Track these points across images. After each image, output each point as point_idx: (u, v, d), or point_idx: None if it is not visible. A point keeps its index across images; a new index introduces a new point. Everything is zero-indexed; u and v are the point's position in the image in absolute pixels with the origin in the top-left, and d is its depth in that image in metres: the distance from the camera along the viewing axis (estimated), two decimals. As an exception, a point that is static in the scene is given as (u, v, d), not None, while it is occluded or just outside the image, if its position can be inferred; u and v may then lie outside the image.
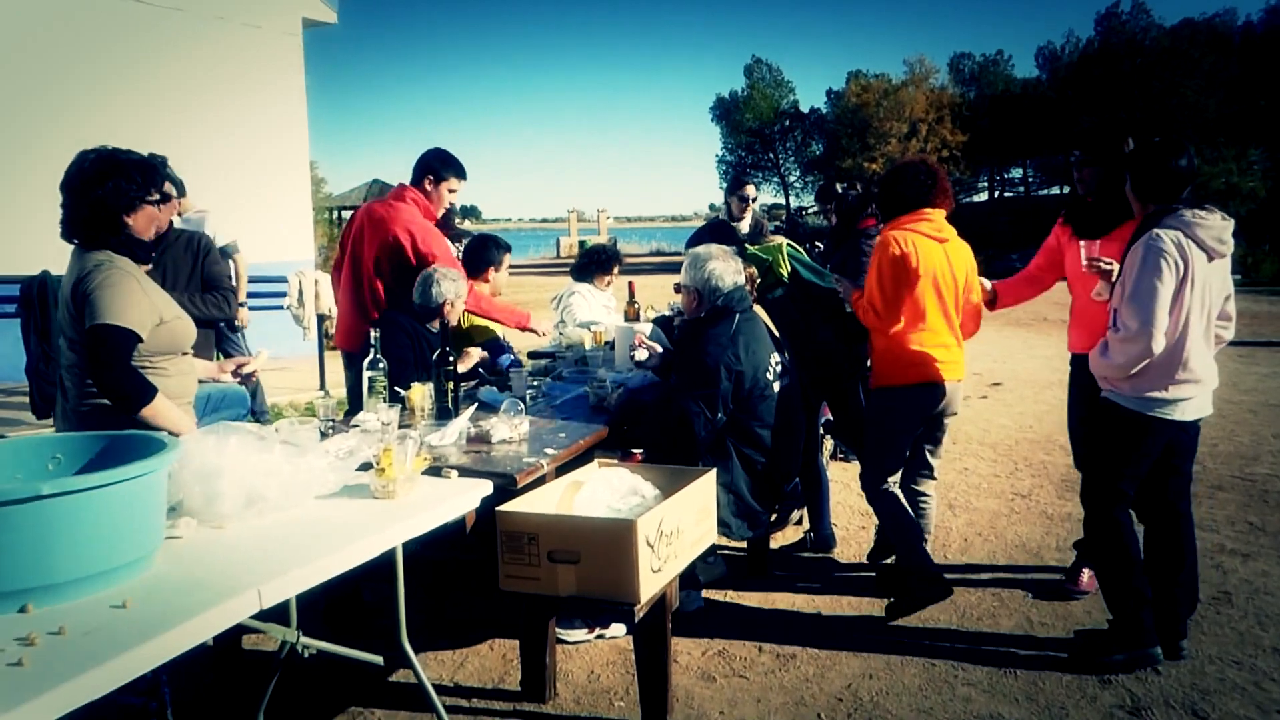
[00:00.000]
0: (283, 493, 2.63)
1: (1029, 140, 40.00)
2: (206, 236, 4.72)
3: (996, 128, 40.06)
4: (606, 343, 5.82)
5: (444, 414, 3.74)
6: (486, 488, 2.99)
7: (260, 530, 2.51)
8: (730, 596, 4.40)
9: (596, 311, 6.81)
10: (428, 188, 4.92)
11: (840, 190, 7.35)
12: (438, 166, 4.93)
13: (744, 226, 7.63)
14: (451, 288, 4.64)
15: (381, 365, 3.77)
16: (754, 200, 7.62)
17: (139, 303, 3.09)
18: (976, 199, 46.31)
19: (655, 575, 3.01)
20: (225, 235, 7.11)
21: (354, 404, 4.69)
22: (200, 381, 3.73)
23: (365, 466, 2.99)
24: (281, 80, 12.86)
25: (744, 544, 4.45)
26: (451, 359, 3.74)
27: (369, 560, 2.47)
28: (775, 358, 3.99)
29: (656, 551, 3.00)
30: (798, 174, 50.83)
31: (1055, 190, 44.69)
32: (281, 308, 10.28)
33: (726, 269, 3.89)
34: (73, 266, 3.16)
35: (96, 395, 3.12)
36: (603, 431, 3.81)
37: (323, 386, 10.17)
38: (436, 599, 4.17)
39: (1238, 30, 38.96)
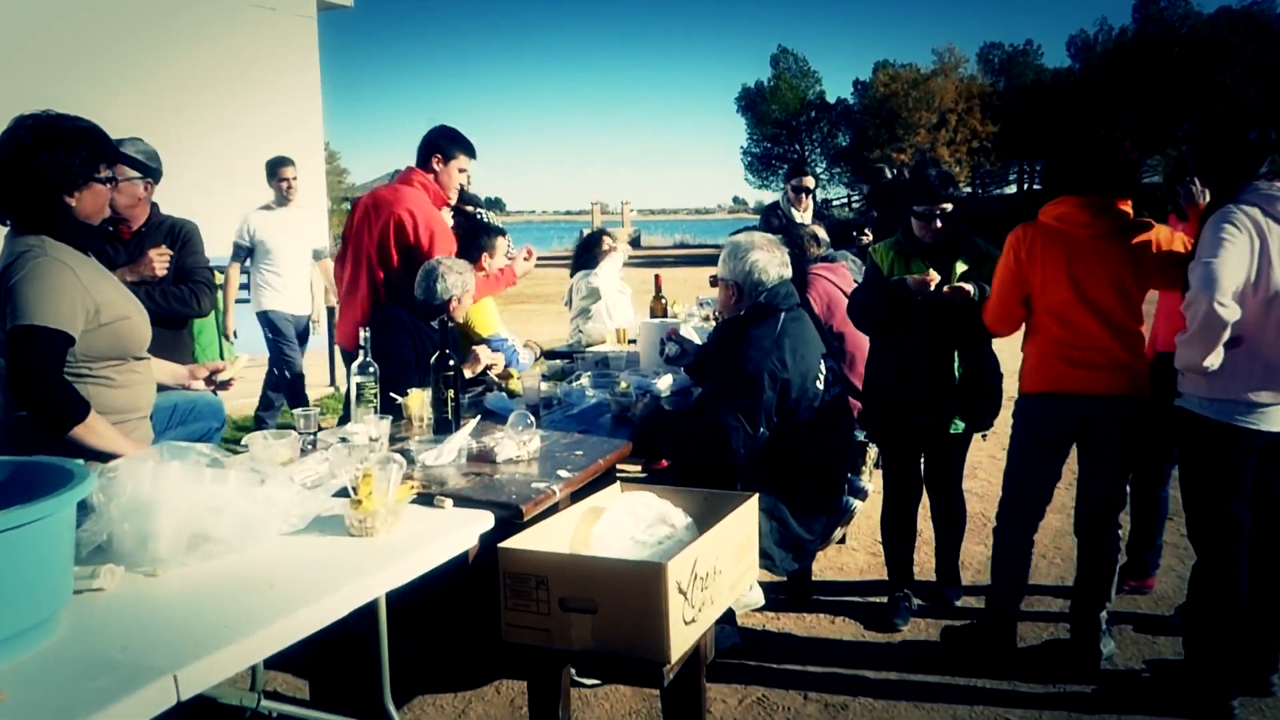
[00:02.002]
0: (236, 531, 2.15)
1: (1059, 131, 39.07)
2: (189, 224, 4.21)
3: (1027, 118, 39.14)
4: (630, 340, 5.33)
5: (443, 427, 3.24)
6: (486, 521, 2.50)
7: (203, 580, 2.03)
8: (768, 623, 3.90)
9: (611, 291, 6.25)
10: (436, 168, 4.50)
11: (889, 178, 6.84)
12: (444, 144, 4.51)
13: (806, 218, 7.11)
14: (458, 282, 4.16)
15: (372, 370, 3.28)
16: (813, 191, 7.09)
17: (71, 298, 2.61)
18: (1007, 190, 45.39)
19: (688, 628, 2.51)
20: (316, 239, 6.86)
21: (347, 411, 4.23)
22: (166, 389, 3.26)
23: (344, 492, 2.52)
24: (295, 64, 12.42)
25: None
26: (452, 363, 3.24)
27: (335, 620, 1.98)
28: (824, 364, 3.47)
29: (690, 599, 2.50)
30: (824, 165, 49.98)
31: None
32: (290, 300, 9.91)
33: (771, 260, 3.37)
34: (3, 253, 2.69)
35: (33, 406, 2.65)
36: (625, 448, 3.30)
37: (333, 382, 9.77)
38: (431, 637, 3.68)
39: (1277, 18, 37.87)
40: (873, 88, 43.46)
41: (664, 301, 5.27)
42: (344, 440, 3.13)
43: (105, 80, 10.24)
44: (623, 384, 4.01)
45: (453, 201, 4.67)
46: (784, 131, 51.03)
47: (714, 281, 3.87)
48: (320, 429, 3.22)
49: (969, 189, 39.56)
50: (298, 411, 3.16)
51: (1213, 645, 3.15)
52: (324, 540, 2.28)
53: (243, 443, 2.99)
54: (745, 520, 2.89)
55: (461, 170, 4.59)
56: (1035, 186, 45.48)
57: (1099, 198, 3.40)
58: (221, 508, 2.14)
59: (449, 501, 2.57)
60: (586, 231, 7.01)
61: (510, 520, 2.64)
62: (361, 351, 3.29)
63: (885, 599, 4.10)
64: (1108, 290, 3.36)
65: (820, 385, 3.38)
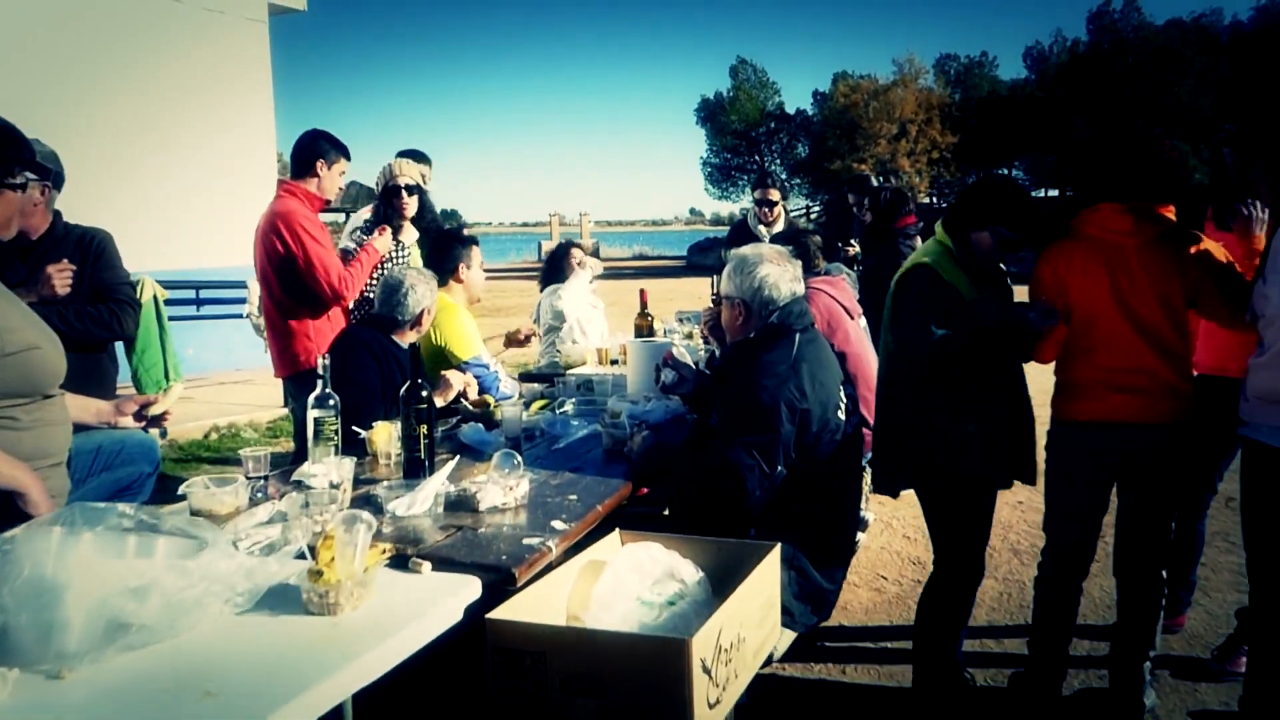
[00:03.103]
0: (163, 617, 1.73)
1: (1018, 141, 39.33)
2: (102, 234, 3.69)
3: (985, 129, 39.37)
4: (612, 360, 4.93)
5: (415, 469, 2.81)
6: (472, 589, 2.09)
7: (122, 683, 1.61)
8: (773, 672, 3.53)
9: (583, 306, 5.86)
10: (320, 172, 4.36)
11: (877, 185, 6.50)
12: (327, 148, 4.37)
13: (773, 233, 6.71)
14: (428, 292, 3.80)
15: (333, 403, 2.86)
16: (781, 202, 6.67)
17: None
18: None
19: (713, 711, 2.12)
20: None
21: (299, 445, 3.83)
22: (88, 428, 2.81)
23: (303, 554, 2.11)
24: (246, 70, 11.90)
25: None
26: (425, 394, 2.82)
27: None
28: (843, 390, 3.10)
29: (714, 677, 2.11)
30: (784, 176, 49.99)
31: (1044, 193, 44.12)
32: (241, 315, 9.44)
33: (783, 275, 2.99)
34: None
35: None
36: (624, 489, 2.89)
37: (287, 403, 9.29)
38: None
39: (1224, 30, 38.47)
40: (832, 98, 43.47)
41: (650, 319, 4.88)
42: (300, 485, 2.72)
43: (43, 84, 9.69)
44: (612, 410, 3.62)
45: (334, 203, 4.52)
46: (744, 142, 50.94)
47: (716, 300, 3.48)
48: (270, 472, 2.79)
49: (927, 200, 39.63)
50: (246, 452, 2.73)
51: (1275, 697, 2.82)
52: (276, 623, 1.86)
53: (180, 491, 2.57)
54: (768, 577, 2.51)
55: (342, 174, 4.47)
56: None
57: (1141, 203, 3.08)
58: (146, 587, 1.72)
59: (427, 565, 2.16)
60: (547, 244, 6.63)
61: (500, 585, 2.23)
62: (320, 383, 2.86)
63: (890, 640, 3.74)
64: (1153, 305, 3.03)
65: (841, 415, 3.01)
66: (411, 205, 4.75)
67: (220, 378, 10.13)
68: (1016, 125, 38.24)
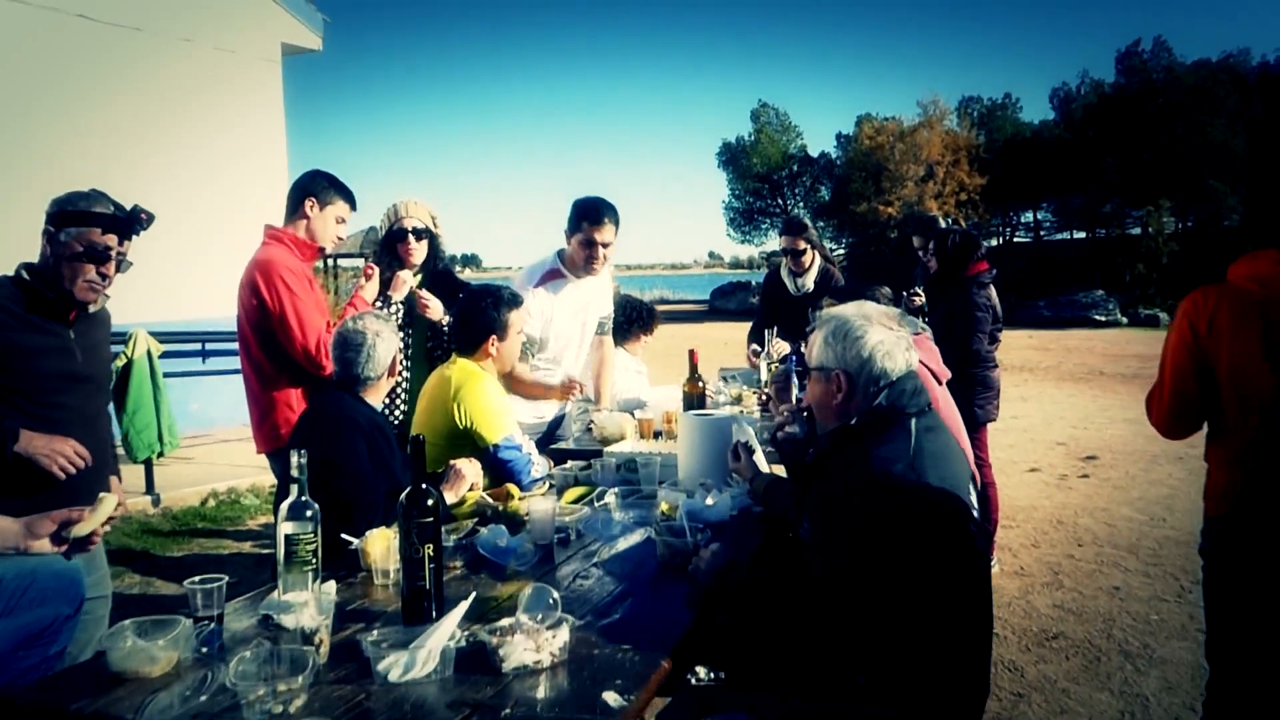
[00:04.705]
0: None
1: (1045, 183, 38.59)
2: None
3: (1012, 171, 38.68)
4: (656, 433, 4.25)
5: (416, 609, 2.11)
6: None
7: None
8: None
9: (632, 383, 5.28)
10: (309, 213, 3.75)
11: (945, 226, 5.83)
12: (319, 189, 3.77)
13: (807, 283, 6.07)
14: (391, 335, 3.15)
15: (310, 514, 2.18)
16: (811, 250, 6.05)
17: None
18: (992, 243, 44.88)
19: None
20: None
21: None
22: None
23: None
24: (257, 111, 11.41)
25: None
26: (431, 502, 2.14)
27: None
28: (974, 490, 2.40)
29: None
30: (808, 219, 49.25)
31: (1068, 235, 43.23)
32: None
33: (897, 343, 2.31)
34: None
35: None
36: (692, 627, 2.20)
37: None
38: None
39: (1252, 70, 37.78)
40: (856, 140, 42.89)
41: (702, 385, 4.16)
42: (268, 624, 2.04)
43: (59, 124, 9.26)
44: (664, 506, 2.93)
45: (328, 250, 3.91)
46: (766, 185, 50.45)
47: (800, 371, 2.81)
48: (225, 608, 2.12)
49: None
50: (191, 583, 2.06)
51: None
52: None
53: (100, 645, 1.92)
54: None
55: (340, 220, 3.83)
56: (1018, 239, 45.04)
57: None
58: None
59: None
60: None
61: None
62: (295, 486, 2.18)
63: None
64: None
65: (973, 528, 2.30)
66: (419, 251, 4.13)
67: (224, 434, 9.48)
68: (1044, 167, 37.50)
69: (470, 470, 3.09)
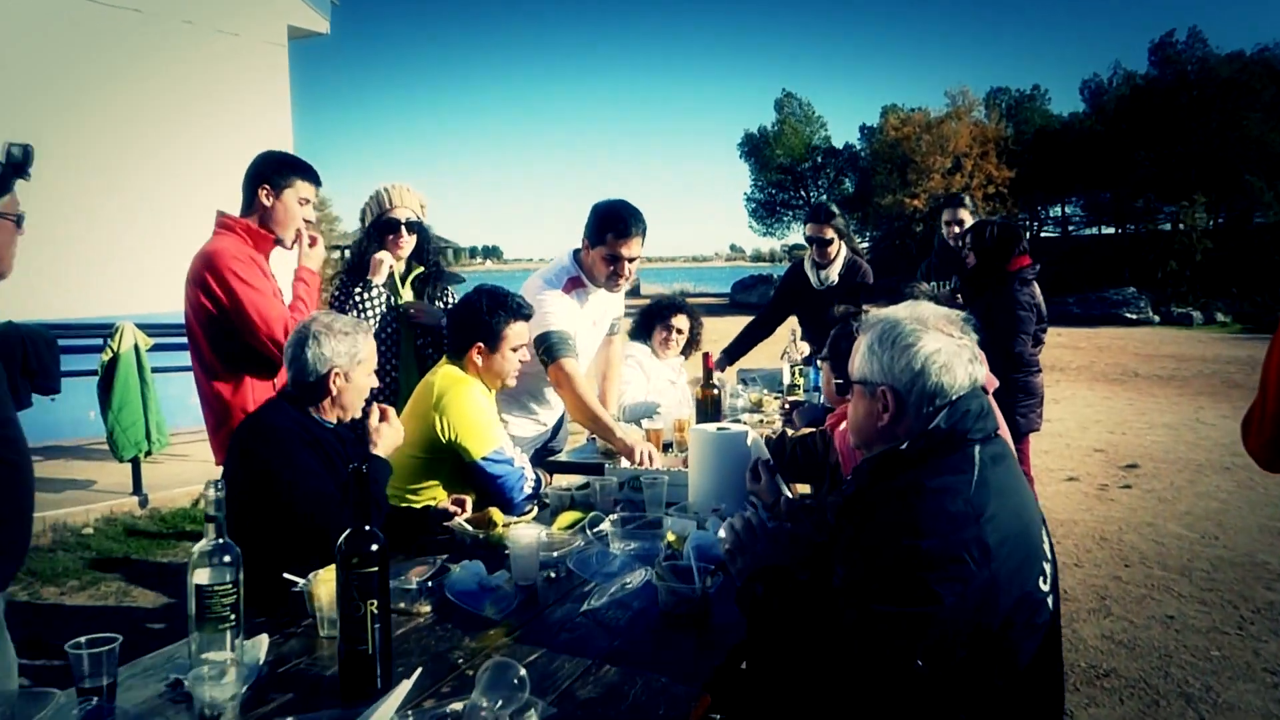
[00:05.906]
0: None
1: (1074, 177, 37.77)
2: None
3: (1042, 163, 37.87)
4: (665, 445, 3.82)
5: (355, 681, 1.70)
6: None
7: None
8: None
9: (659, 390, 4.80)
10: (265, 202, 3.26)
11: (982, 219, 5.37)
12: (272, 172, 3.27)
13: (831, 275, 5.65)
14: (342, 347, 2.63)
15: (229, 560, 1.78)
16: (838, 240, 5.65)
17: None
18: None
19: None
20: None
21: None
22: None
23: None
24: (262, 95, 11.06)
25: None
26: (376, 548, 1.73)
27: None
28: (1046, 538, 1.95)
29: None
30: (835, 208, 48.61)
31: (1096, 230, 42.33)
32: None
33: (958, 354, 1.87)
34: None
35: None
36: (705, 702, 1.78)
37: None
38: None
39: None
40: (881, 131, 42.19)
41: (716, 391, 3.71)
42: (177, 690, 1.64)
43: (64, 108, 8.94)
44: (670, 536, 2.51)
45: (288, 241, 3.33)
46: (789, 177, 49.85)
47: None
48: (118, 675, 1.72)
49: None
50: (75, 645, 1.65)
51: None
52: None
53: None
54: None
55: (303, 201, 3.31)
56: (1045, 234, 44.13)
57: None
58: None
59: None
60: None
61: None
62: (212, 525, 1.77)
63: None
64: None
65: (1046, 585, 1.85)
66: (408, 244, 3.75)
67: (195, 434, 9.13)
68: (1074, 160, 36.69)
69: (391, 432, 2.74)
